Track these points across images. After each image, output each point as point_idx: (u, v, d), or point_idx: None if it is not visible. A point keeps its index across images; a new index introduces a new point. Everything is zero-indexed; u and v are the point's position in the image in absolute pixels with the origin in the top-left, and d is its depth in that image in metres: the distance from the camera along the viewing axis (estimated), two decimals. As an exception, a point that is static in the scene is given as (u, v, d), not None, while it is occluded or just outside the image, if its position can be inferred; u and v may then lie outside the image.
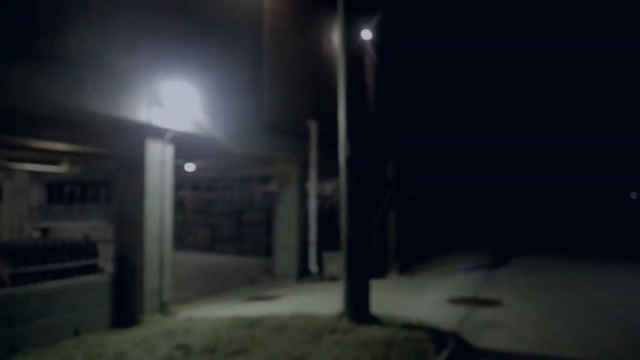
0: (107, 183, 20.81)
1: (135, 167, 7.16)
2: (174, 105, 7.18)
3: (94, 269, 7.26)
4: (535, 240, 19.20)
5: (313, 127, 10.91)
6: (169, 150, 7.59)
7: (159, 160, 7.36)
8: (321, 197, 13.39)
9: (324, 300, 8.19)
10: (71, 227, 17.68)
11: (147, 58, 6.84)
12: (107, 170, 16.65)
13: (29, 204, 16.96)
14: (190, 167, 15.16)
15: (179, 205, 16.12)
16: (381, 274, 10.84)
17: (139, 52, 6.72)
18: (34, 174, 16.26)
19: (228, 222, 16.20)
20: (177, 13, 7.39)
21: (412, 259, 12.83)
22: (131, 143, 7.16)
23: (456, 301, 8.18)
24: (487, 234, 17.95)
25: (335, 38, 12.61)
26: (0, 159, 12.33)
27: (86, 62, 6.03)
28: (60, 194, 22.53)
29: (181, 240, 16.10)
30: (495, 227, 19.49)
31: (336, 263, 9.37)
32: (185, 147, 8.52)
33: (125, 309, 6.99)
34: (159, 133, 7.26)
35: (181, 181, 17.52)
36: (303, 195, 11.52)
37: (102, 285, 6.85)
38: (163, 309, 7.37)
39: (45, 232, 18.33)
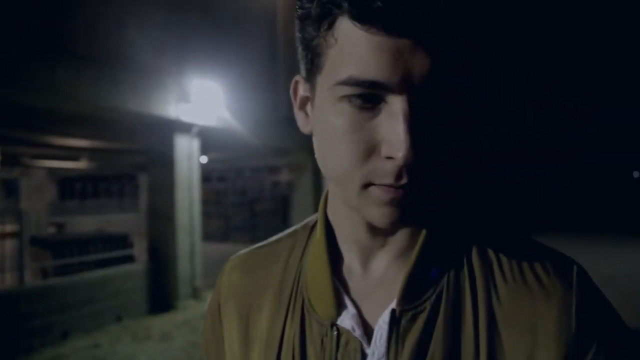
0: (119, 177, 21.20)
1: (165, 161, 7.53)
2: (200, 101, 7.53)
3: (130, 259, 7.67)
4: (534, 217, 19.17)
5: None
6: (195, 144, 7.96)
7: (186, 154, 7.74)
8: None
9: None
10: (85, 222, 18.06)
11: (175, 57, 7.18)
12: (120, 165, 17.01)
13: (45, 201, 17.32)
14: (202, 159, 15.49)
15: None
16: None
17: (168, 52, 7.05)
18: (49, 170, 16.59)
19: (241, 212, 16.59)
20: (201, 13, 7.71)
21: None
22: (161, 138, 7.53)
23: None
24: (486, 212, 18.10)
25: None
26: (22, 156, 12.68)
27: (121, 63, 6.37)
28: (72, 190, 22.91)
29: (196, 230, 16.45)
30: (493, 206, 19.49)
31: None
32: (205, 140, 8.88)
33: (161, 296, 7.40)
34: (186, 128, 7.62)
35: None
36: (318, 184, 11.89)
37: (140, 274, 7.25)
38: (195, 294, 7.78)
39: (60, 227, 18.73)
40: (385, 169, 0.48)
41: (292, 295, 0.62)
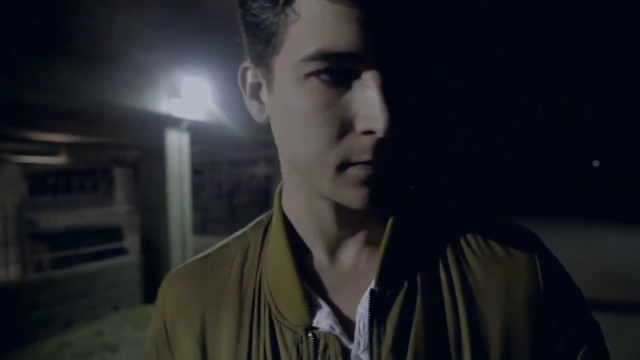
0: (92, 172, 20.98)
1: (157, 154, 7.71)
2: (190, 97, 7.74)
3: (122, 251, 7.85)
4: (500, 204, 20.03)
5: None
6: (185, 138, 8.17)
7: (177, 148, 7.95)
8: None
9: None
10: (58, 217, 17.87)
11: (166, 54, 7.35)
12: (96, 159, 16.92)
13: (17, 197, 17.06)
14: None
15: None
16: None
17: (160, 49, 7.23)
18: (22, 166, 16.36)
19: (219, 205, 16.76)
20: (191, 11, 7.89)
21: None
22: (152, 132, 7.71)
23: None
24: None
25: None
26: (1, 152, 12.54)
27: (115, 60, 6.54)
28: (43, 185, 22.52)
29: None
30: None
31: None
32: (194, 134, 9.09)
33: (155, 285, 7.50)
34: (177, 123, 7.82)
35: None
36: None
37: (134, 265, 7.44)
38: (188, 284, 8.01)
39: (32, 223, 18.46)
40: (363, 145, 0.45)
41: (255, 306, 0.56)
